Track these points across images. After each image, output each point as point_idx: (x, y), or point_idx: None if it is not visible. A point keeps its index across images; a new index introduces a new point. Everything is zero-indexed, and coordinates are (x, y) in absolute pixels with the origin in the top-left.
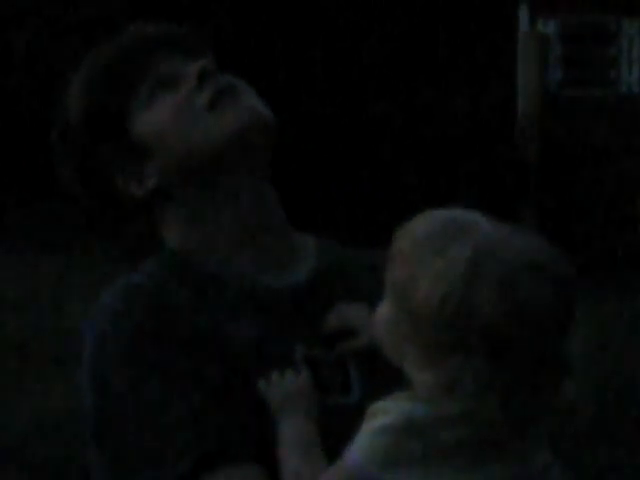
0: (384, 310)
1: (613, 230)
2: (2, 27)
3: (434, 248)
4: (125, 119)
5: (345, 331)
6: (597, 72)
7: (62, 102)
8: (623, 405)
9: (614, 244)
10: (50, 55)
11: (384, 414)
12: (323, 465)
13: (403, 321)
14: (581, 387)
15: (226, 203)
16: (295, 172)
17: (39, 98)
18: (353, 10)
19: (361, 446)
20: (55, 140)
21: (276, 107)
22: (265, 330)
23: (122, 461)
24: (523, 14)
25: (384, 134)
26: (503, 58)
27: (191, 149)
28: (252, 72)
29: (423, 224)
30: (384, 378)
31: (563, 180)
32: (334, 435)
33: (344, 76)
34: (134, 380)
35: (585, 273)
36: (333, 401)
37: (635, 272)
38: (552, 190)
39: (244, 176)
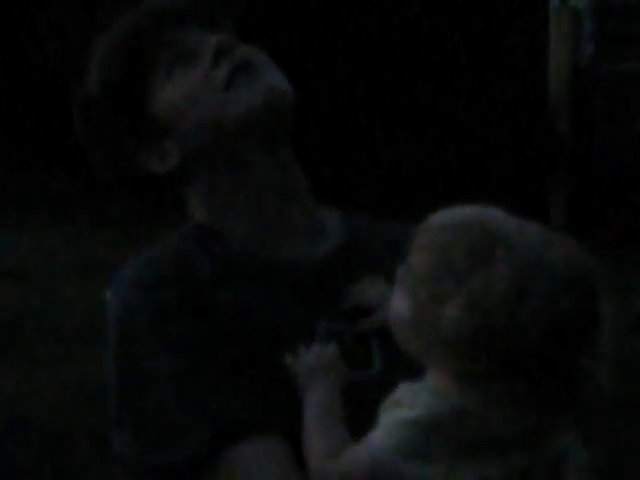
0: (403, 308)
1: None
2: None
3: (459, 271)
4: (144, 95)
5: (364, 307)
6: (629, 48)
7: (84, 73)
8: None
9: None
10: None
11: (410, 407)
12: (344, 440)
13: (424, 333)
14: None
15: (246, 179)
16: (325, 147)
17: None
18: None
19: (387, 434)
20: (78, 111)
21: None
22: (288, 304)
23: (144, 434)
24: None
25: (414, 113)
26: (534, 34)
27: (207, 129)
28: (274, 45)
29: (445, 237)
30: (405, 353)
31: (595, 158)
32: (356, 409)
33: (379, 59)
34: (159, 352)
35: (613, 252)
36: (355, 375)
37: None
38: (586, 167)
39: (263, 153)
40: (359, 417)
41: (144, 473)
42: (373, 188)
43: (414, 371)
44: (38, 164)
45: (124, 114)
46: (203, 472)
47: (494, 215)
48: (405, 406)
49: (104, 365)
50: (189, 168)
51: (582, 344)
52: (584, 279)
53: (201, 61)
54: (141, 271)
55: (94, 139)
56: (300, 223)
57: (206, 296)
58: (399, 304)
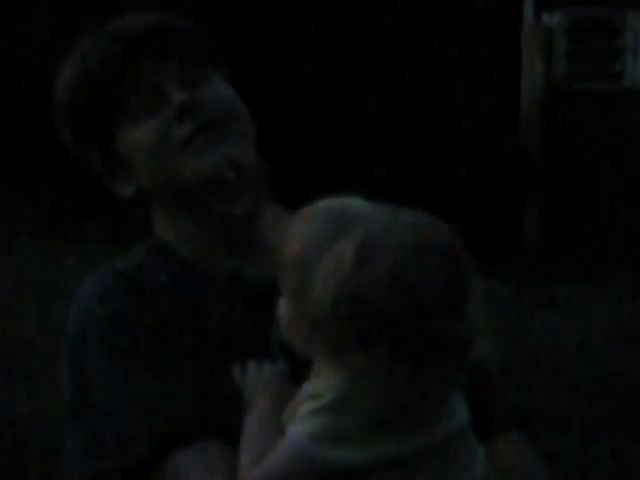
0: (284, 310)
1: (617, 223)
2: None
3: (318, 248)
4: (108, 133)
5: None
6: (602, 66)
7: (60, 76)
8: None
9: (618, 238)
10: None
11: (319, 397)
12: (272, 447)
13: (302, 323)
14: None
15: (198, 214)
16: (293, 160)
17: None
18: (355, 3)
19: (301, 424)
20: (52, 113)
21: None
22: (241, 317)
23: (89, 445)
24: (528, 6)
25: (386, 127)
26: (508, 51)
27: (162, 181)
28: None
29: (306, 223)
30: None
31: (566, 174)
32: None
33: (346, 69)
34: (106, 364)
35: (586, 267)
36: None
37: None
38: (555, 184)
39: (216, 202)
40: None
41: None
42: None
43: None
44: (8, 177)
45: (92, 141)
46: None
47: (350, 200)
48: (319, 397)
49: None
50: (146, 198)
51: (443, 310)
52: (434, 246)
53: (165, 114)
54: (98, 283)
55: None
56: (254, 240)
57: (159, 308)
58: (281, 306)
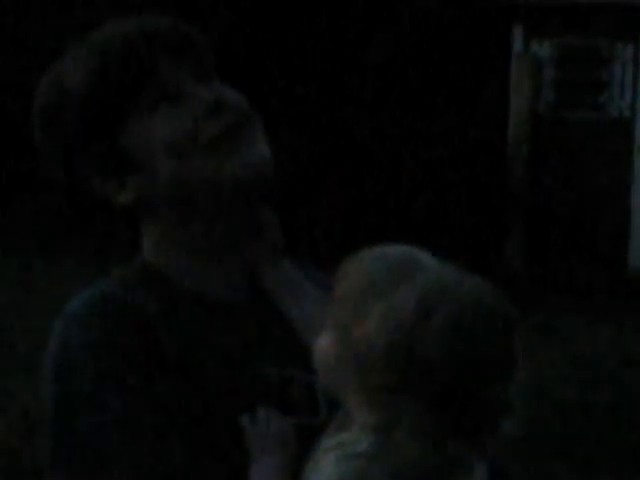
0: (326, 345)
1: (601, 254)
2: None
3: (380, 290)
4: (119, 122)
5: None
6: (589, 95)
7: (54, 75)
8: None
9: (602, 273)
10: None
11: (352, 445)
12: None
13: (346, 361)
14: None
15: (199, 227)
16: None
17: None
18: (341, 28)
19: (329, 471)
20: (38, 117)
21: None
22: (235, 349)
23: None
24: (517, 35)
25: (372, 156)
26: (496, 79)
27: (180, 182)
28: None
29: (368, 262)
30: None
31: (553, 204)
32: (298, 457)
33: (331, 94)
34: (95, 392)
35: (568, 305)
36: (302, 421)
37: (620, 304)
38: (541, 214)
39: (221, 215)
40: (302, 462)
41: None
42: (322, 235)
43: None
44: None
45: (90, 141)
46: None
47: (412, 248)
48: (349, 445)
49: (42, 398)
50: (143, 207)
51: (490, 375)
52: (495, 309)
53: (190, 108)
54: (84, 308)
55: (50, 149)
56: (245, 267)
57: (149, 335)
58: (323, 339)
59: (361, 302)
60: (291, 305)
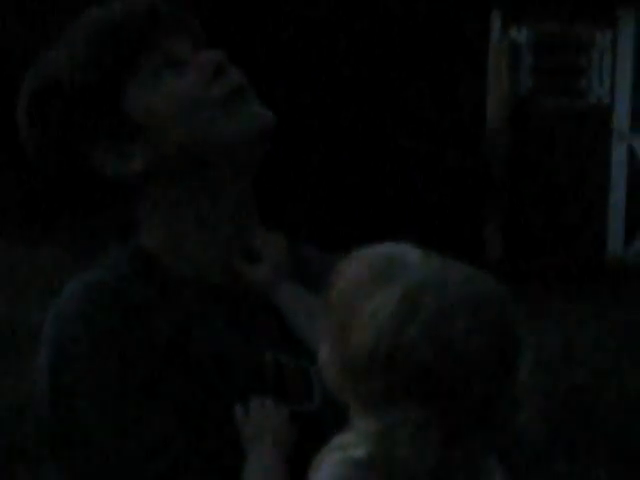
0: (325, 354)
1: (580, 240)
2: None
3: (364, 293)
4: (121, 90)
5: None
6: (568, 82)
7: (47, 58)
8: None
9: (580, 254)
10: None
11: (354, 449)
12: None
13: (340, 369)
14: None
15: (205, 201)
16: (270, 175)
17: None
18: (321, 18)
19: (330, 475)
20: (30, 99)
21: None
22: (227, 332)
23: (77, 474)
24: (495, 21)
25: (350, 144)
26: (474, 65)
27: (197, 140)
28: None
29: (353, 267)
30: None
31: (531, 190)
32: (293, 444)
33: (310, 84)
34: (96, 387)
35: (550, 283)
36: (296, 409)
37: (598, 284)
38: (519, 200)
39: (232, 177)
40: (297, 448)
41: None
42: (307, 221)
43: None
44: None
45: (91, 110)
46: None
47: (401, 246)
48: (349, 449)
49: (37, 393)
50: (149, 177)
51: (486, 371)
52: (483, 304)
53: (197, 72)
54: (79, 300)
55: (43, 132)
56: (246, 251)
57: (143, 323)
58: (322, 348)
59: (348, 307)
60: (298, 324)
